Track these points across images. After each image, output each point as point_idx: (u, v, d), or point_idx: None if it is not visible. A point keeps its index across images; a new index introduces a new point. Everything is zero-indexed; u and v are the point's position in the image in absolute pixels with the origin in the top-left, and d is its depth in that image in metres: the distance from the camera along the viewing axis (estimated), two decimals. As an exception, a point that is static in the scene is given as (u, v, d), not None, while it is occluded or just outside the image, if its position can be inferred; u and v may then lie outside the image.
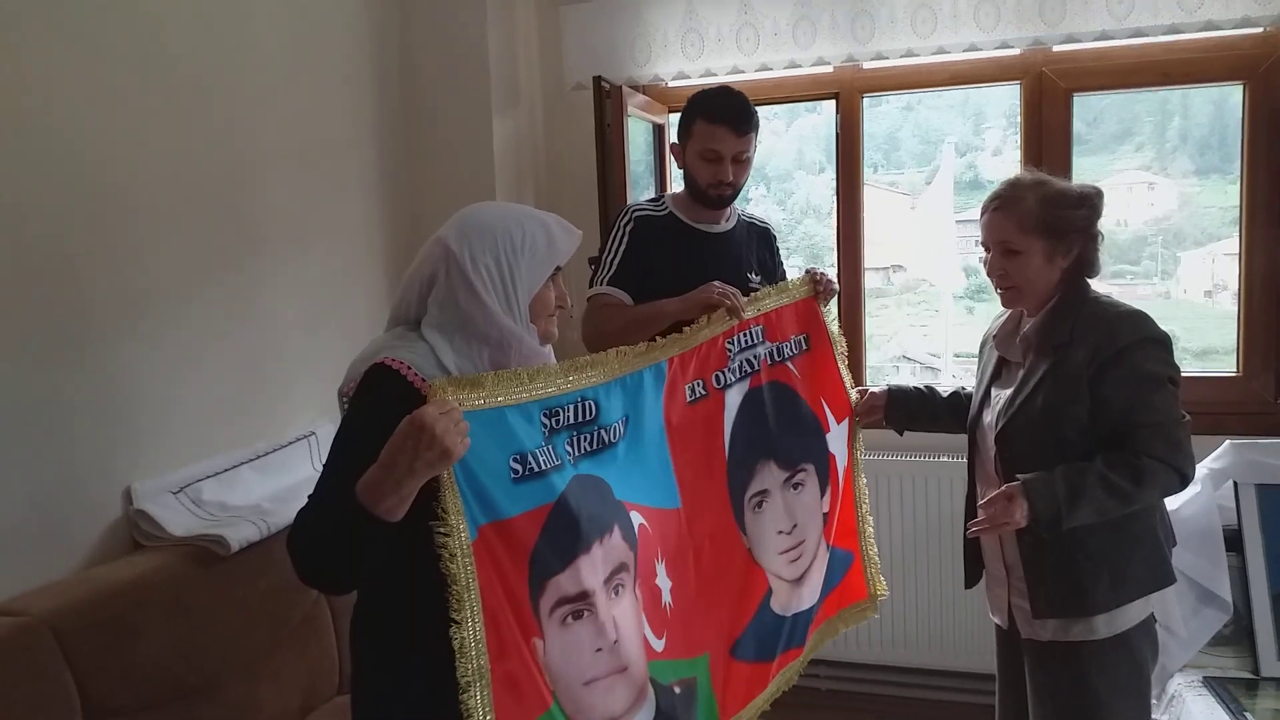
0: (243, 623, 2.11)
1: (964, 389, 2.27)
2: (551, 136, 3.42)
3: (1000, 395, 1.94)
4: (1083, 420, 1.79)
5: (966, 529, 1.93)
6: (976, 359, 2.17)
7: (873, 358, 4.43)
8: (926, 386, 2.32)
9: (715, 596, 1.96)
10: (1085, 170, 3.52)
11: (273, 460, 2.50)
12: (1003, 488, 1.78)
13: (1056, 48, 2.93)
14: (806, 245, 4.11)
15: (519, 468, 1.48)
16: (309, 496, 1.44)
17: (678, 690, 1.78)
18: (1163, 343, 1.81)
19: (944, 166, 4.85)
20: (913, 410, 2.28)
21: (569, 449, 1.61)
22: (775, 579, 2.11)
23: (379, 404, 1.39)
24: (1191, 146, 4.38)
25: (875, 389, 2.35)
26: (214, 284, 2.43)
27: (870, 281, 4.04)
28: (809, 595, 2.19)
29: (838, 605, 2.33)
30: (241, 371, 2.50)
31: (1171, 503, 2.29)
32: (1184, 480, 1.78)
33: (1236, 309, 2.97)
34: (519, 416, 1.51)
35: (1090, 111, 3.42)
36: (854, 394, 2.35)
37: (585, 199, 3.12)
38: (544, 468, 1.52)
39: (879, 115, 4.00)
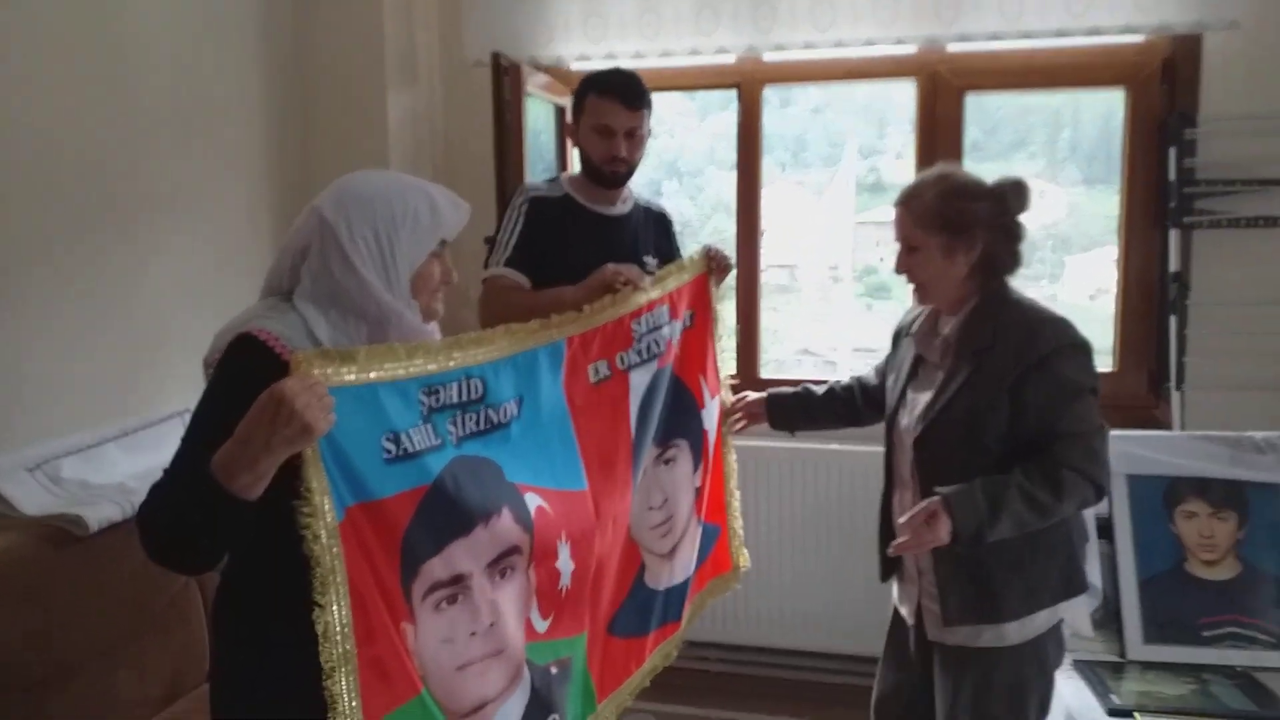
0: (100, 607, 1.99)
1: (839, 384, 2.30)
2: (452, 114, 3.34)
3: (919, 398, 1.90)
4: (1002, 428, 1.75)
5: (887, 547, 1.87)
6: (891, 350, 2.12)
7: (775, 351, 4.47)
8: (803, 387, 2.33)
9: (603, 577, 1.94)
10: (984, 175, 3.63)
11: (142, 438, 2.38)
12: (924, 504, 1.72)
13: (951, 47, 2.99)
14: (717, 240, 4.12)
15: (392, 447, 1.41)
16: (164, 470, 1.36)
17: (554, 670, 1.75)
18: (1085, 350, 1.78)
19: (845, 167, 4.95)
20: (791, 413, 2.30)
21: (451, 429, 1.54)
22: (648, 554, 2.12)
23: (241, 376, 1.31)
24: (1080, 156, 4.57)
25: (753, 396, 2.37)
26: (84, 255, 2.31)
27: (776, 277, 4.07)
28: (681, 569, 2.20)
29: (706, 578, 2.35)
30: (113, 346, 2.38)
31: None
32: (1099, 493, 1.75)
33: (1115, 310, 3.08)
34: (394, 394, 1.43)
35: (989, 120, 3.51)
36: (730, 396, 2.38)
37: (484, 178, 3.06)
38: (419, 448, 1.45)
39: (789, 116, 4.05)
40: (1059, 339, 1.75)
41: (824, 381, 2.36)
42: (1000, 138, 3.55)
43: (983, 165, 3.54)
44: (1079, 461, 1.71)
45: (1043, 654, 1.85)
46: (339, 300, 1.43)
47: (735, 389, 3.08)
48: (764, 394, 2.35)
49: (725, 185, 4.05)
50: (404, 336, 1.47)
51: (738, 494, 2.43)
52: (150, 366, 2.49)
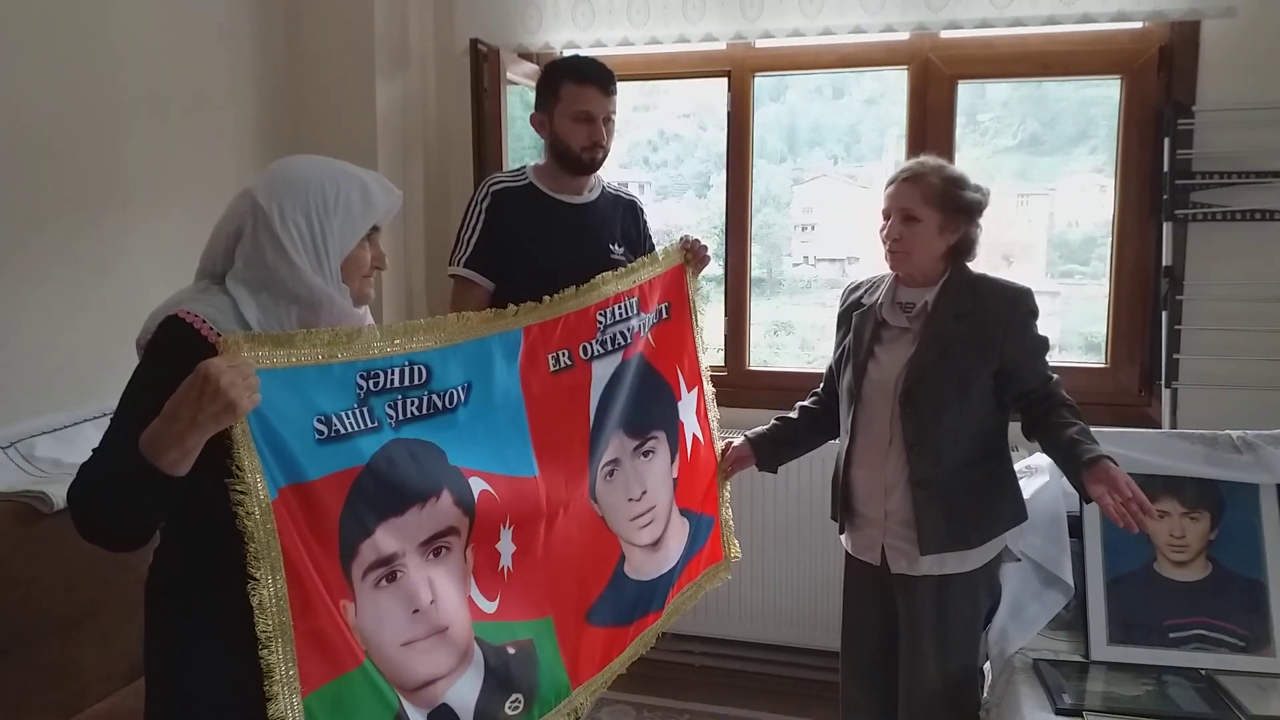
0: (62, 582, 2.03)
1: (806, 403, 2.41)
2: (444, 100, 3.35)
3: (891, 356, 2.12)
4: (987, 379, 2.05)
5: (842, 497, 2.21)
6: (841, 332, 2.28)
7: (824, 348, 4.39)
8: (778, 419, 2.42)
9: (564, 563, 1.94)
10: (1041, 171, 3.57)
11: (118, 419, 2.42)
12: (1112, 473, 1.87)
13: (944, 34, 2.94)
14: (764, 234, 4.11)
15: (323, 429, 1.44)
16: (93, 449, 1.39)
17: (512, 650, 1.77)
18: (1038, 314, 2.10)
19: (888, 158, 4.85)
20: (779, 448, 2.40)
21: (390, 412, 1.57)
22: (628, 545, 2.12)
23: (168, 357, 1.34)
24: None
25: (735, 441, 2.41)
26: (63, 238, 2.35)
27: (826, 272, 4.05)
28: (667, 560, 2.21)
29: (700, 569, 2.36)
30: (92, 328, 2.42)
31: (1024, 489, 2.35)
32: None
33: (1106, 304, 3.02)
34: (327, 377, 1.46)
35: (1047, 112, 3.43)
36: (711, 388, 2.39)
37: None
38: (350, 430, 1.48)
39: (842, 107, 4.01)
40: (1031, 304, 2.08)
41: (790, 410, 2.43)
42: (1060, 130, 3.43)
43: (1043, 160, 3.53)
44: (1064, 394, 2.07)
45: (992, 577, 2.19)
46: (270, 284, 1.44)
47: (725, 380, 3.09)
48: (743, 437, 2.42)
49: (773, 178, 4.04)
50: (335, 321, 1.49)
51: (728, 485, 2.44)
52: (129, 349, 2.51)
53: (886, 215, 2.12)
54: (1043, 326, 2.11)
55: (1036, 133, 3.33)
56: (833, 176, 4.04)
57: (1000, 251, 3.68)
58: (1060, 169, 3.52)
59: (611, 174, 4.25)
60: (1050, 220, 3.66)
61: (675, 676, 3.29)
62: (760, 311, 3.93)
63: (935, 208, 2.06)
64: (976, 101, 3.33)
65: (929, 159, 2.12)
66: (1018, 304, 2.07)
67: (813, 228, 4.13)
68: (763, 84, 3.29)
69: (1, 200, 2.20)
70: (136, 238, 2.53)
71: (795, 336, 3.99)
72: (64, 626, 2.05)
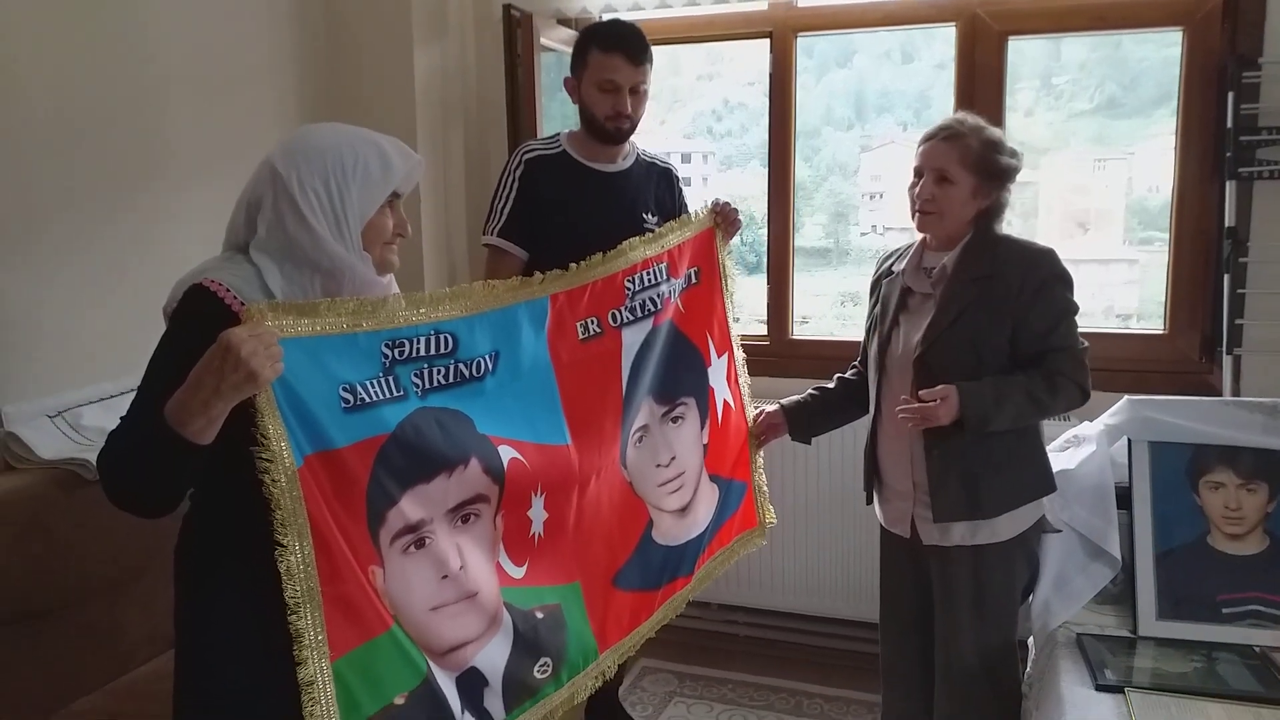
0: (108, 548, 2.09)
1: (844, 374, 2.37)
2: (484, 68, 3.32)
3: (913, 325, 2.06)
4: (1003, 345, 1.98)
5: (872, 474, 2.21)
6: (872, 300, 2.24)
7: None
8: (814, 388, 2.38)
9: (593, 529, 1.96)
10: (1119, 134, 3.43)
11: (165, 388, 2.48)
12: (938, 387, 1.91)
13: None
14: (833, 203, 4.04)
15: (349, 397, 1.46)
16: (121, 417, 1.42)
17: (540, 615, 1.79)
18: (1070, 279, 2.01)
19: None
20: (812, 418, 2.37)
21: (416, 380, 1.58)
22: (656, 510, 2.12)
23: (192, 325, 1.37)
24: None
25: (768, 408, 2.38)
26: (113, 210, 2.40)
27: (895, 240, 3.98)
28: (696, 525, 2.21)
29: (732, 534, 2.36)
30: (139, 300, 2.46)
31: (1069, 460, 2.29)
32: (1085, 395, 1.99)
33: (1166, 268, 2.89)
34: (352, 346, 1.48)
35: (1126, 73, 3.29)
36: (741, 354, 2.37)
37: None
38: (376, 399, 1.50)
39: (911, 72, 3.92)
40: (1054, 267, 1.99)
41: (828, 381, 2.39)
42: (1141, 93, 3.29)
43: (1122, 124, 3.40)
44: (1070, 368, 1.97)
45: (1029, 548, 2.13)
46: (292, 252, 1.46)
47: (767, 350, 3.05)
48: (777, 405, 2.39)
49: (841, 146, 3.97)
50: (357, 289, 1.51)
51: (761, 452, 2.42)
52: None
53: (918, 173, 2.05)
54: (1081, 292, 2.02)
55: (1115, 95, 3.18)
56: (902, 143, 3.95)
57: (1075, 219, 3.56)
58: (1140, 132, 3.39)
59: (675, 144, 4.22)
60: (1129, 185, 3.50)
61: (718, 646, 3.28)
62: (828, 281, 3.86)
63: (971, 171, 1.99)
64: (1051, 63, 3.20)
65: (968, 117, 2.04)
66: (1037, 267, 1.99)
67: (881, 196, 4.04)
68: (828, 49, 3.21)
69: (46, 177, 2.24)
70: (177, 211, 2.57)
71: (863, 307, 3.90)
72: (109, 590, 2.12)
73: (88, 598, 2.07)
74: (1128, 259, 3.36)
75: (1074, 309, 2.02)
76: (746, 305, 3.22)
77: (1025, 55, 4.32)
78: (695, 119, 4.11)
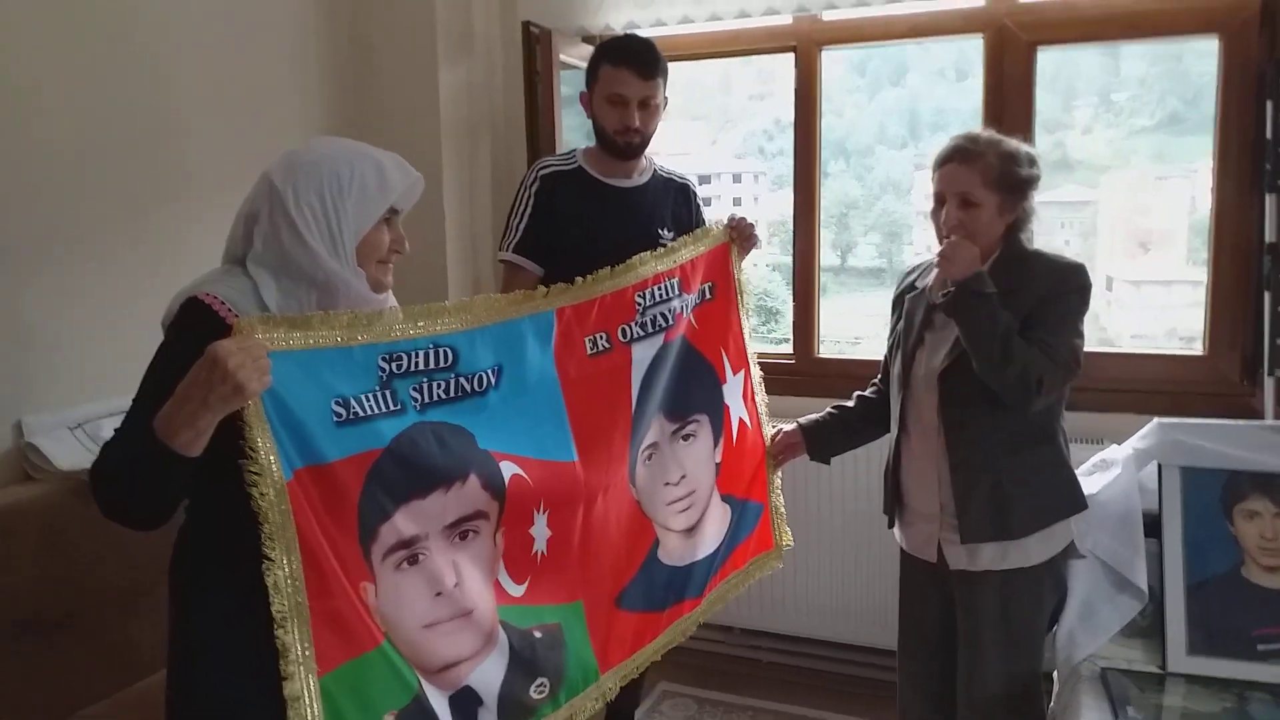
0: (121, 557, 2.11)
1: (864, 393, 2.32)
2: (509, 85, 3.33)
3: (939, 342, 2.01)
4: None
5: (893, 493, 2.15)
6: (894, 317, 2.20)
7: None
8: (834, 407, 2.34)
9: (599, 547, 1.93)
10: (1183, 151, 3.33)
11: (183, 403, 2.51)
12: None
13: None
14: (885, 222, 3.99)
15: (342, 411, 1.46)
16: (115, 429, 1.42)
17: (538, 635, 1.77)
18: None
19: None
20: (831, 436, 2.32)
21: (414, 394, 1.57)
22: (663, 530, 2.09)
23: (186, 338, 1.37)
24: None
25: (786, 427, 2.33)
26: (137, 228, 2.43)
27: None
28: (703, 546, 2.16)
29: (747, 556, 2.30)
30: (160, 317, 2.48)
31: (1093, 485, 2.20)
32: (1038, 386, 1.86)
33: (1205, 285, 2.79)
34: (347, 360, 1.48)
35: (1189, 88, 3.20)
36: (758, 371, 2.32)
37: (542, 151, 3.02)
38: (370, 413, 1.49)
39: (966, 90, 3.88)
40: (1077, 279, 1.95)
41: (848, 400, 2.34)
42: (1204, 108, 3.22)
43: (1181, 140, 3.30)
44: (1039, 354, 1.86)
45: (1057, 573, 2.06)
46: (288, 266, 1.46)
47: (793, 368, 3.00)
48: (795, 424, 2.34)
49: (894, 165, 3.92)
50: (352, 304, 1.50)
51: (779, 473, 2.38)
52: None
53: (939, 199, 1.99)
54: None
55: (1177, 110, 3.09)
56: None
57: (1137, 238, 3.44)
58: (1203, 149, 3.29)
59: (726, 164, 4.19)
60: (1192, 204, 3.37)
61: (739, 671, 3.22)
62: (881, 302, 3.80)
63: (994, 189, 1.93)
64: (1111, 79, 3.11)
65: (981, 133, 1.98)
66: (1065, 279, 1.94)
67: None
68: (881, 68, 3.16)
69: (70, 195, 2.28)
70: (199, 229, 2.59)
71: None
72: (123, 599, 2.14)
73: (102, 607, 2.09)
74: (1191, 280, 3.22)
75: (1078, 310, 1.96)
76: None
77: (1082, 70, 4.25)
78: (746, 139, 4.08)
